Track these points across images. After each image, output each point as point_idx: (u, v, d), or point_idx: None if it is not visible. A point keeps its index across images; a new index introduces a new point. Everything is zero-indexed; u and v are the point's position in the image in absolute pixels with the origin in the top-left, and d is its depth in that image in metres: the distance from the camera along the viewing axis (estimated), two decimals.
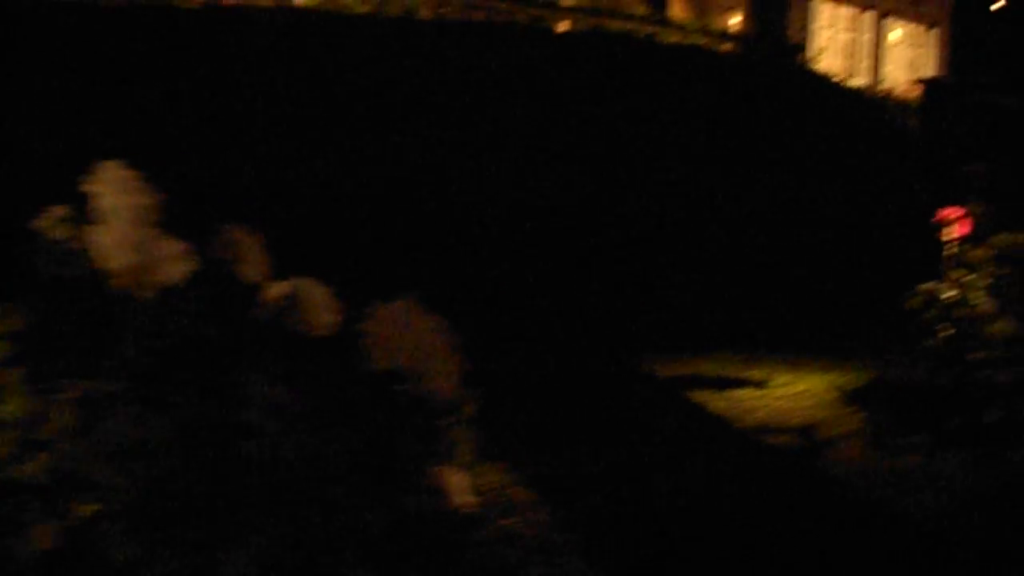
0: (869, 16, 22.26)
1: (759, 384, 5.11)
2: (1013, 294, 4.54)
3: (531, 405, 6.23)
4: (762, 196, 7.42)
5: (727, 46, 14.52)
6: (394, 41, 9.25)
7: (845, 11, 22.04)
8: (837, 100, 10.90)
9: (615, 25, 14.88)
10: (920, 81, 16.50)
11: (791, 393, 4.95)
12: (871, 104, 12.22)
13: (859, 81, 21.65)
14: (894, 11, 22.69)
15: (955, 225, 4.80)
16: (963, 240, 4.87)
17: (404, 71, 8.34)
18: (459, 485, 1.20)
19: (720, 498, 3.60)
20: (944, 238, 4.86)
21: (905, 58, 22.89)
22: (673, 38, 13.83)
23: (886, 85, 22.00)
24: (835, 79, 15.80)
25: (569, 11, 16.54)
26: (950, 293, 4.59)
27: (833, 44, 21.84)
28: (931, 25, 23.40)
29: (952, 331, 4.57)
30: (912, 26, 23.13)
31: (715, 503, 3.54)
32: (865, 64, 22.07)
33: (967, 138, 12.93)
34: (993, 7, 31.40)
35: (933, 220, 4.85)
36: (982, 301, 4.55)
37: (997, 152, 12.55)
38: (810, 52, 21.48)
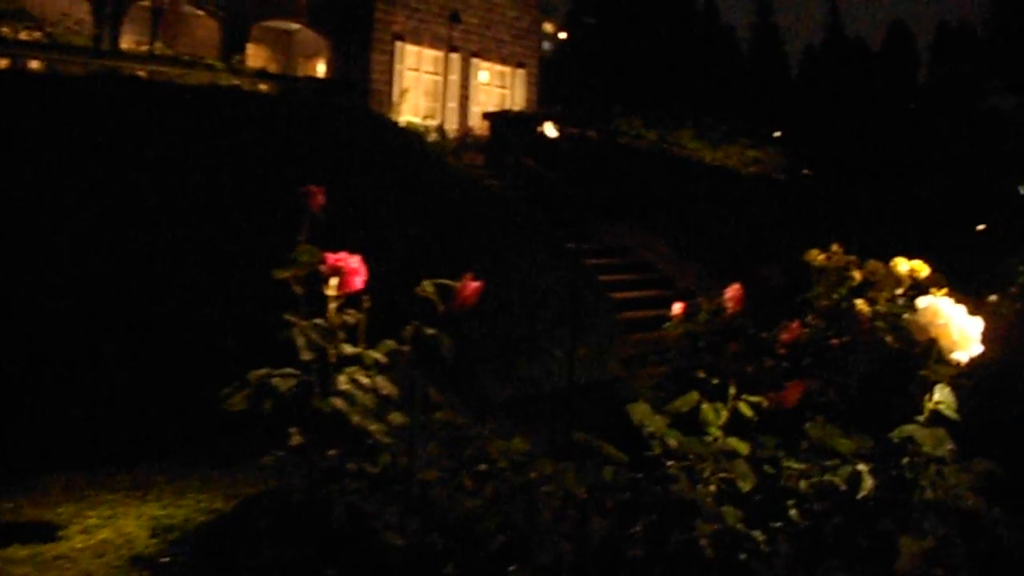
0: (456, 58, 22.16)
1: (47, 533, 3.46)
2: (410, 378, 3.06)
3: None
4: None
5: (264, 87, 13.32)
6: None
7: (430, 53, 21.75)
8: (365, 134, 9.84)
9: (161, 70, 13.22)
10: (485, 116, 16.25)
11: (82, 546, 3.34)
12: (414, 138, 11.39)
13: (445, 119, 21.43)
14: (481, 53, 22.83)
15: (344, 277, 3.04)
16: (350, 299, 3.16)
17: None
18: None
19: None
20: (329, 294, 3.07)
21: (495, 97, 23.08)
22: (200, 79, 12.37)
23: (474, 123, 21.99)
24: (392, 117, 15.08)
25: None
26: (290, 383, 3.07)
27: (419, 85, 21.44)
28: (518, 66, 23.88)
29: (303, 438, 3.10)
30: (500, 67, 23.43)
31: None
32: (451, 104, 21.89)
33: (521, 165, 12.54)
34: (561, 36, 33.35)
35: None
36: (355, 391, 3.08)
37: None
38: (395, 93, 20.95)
